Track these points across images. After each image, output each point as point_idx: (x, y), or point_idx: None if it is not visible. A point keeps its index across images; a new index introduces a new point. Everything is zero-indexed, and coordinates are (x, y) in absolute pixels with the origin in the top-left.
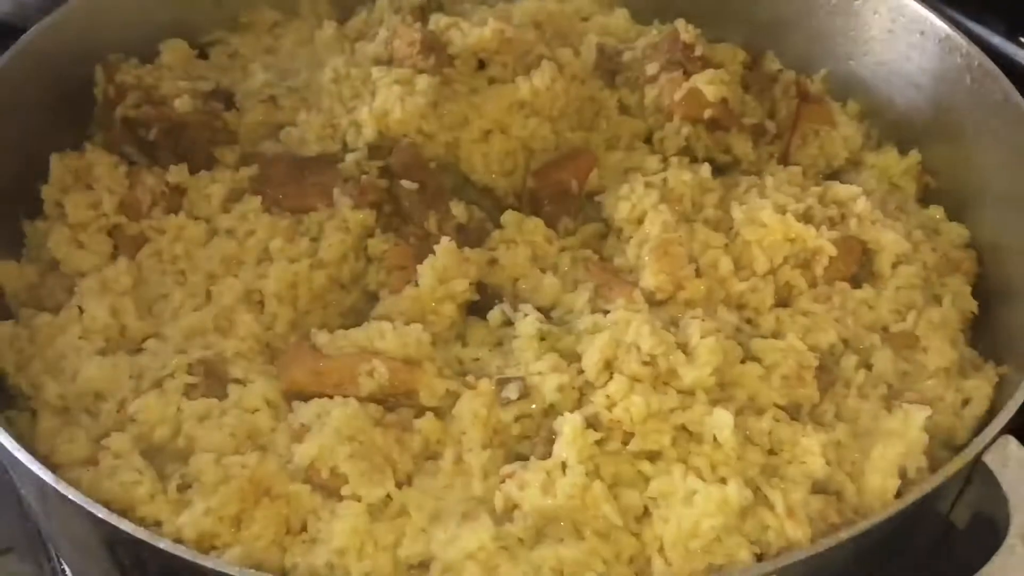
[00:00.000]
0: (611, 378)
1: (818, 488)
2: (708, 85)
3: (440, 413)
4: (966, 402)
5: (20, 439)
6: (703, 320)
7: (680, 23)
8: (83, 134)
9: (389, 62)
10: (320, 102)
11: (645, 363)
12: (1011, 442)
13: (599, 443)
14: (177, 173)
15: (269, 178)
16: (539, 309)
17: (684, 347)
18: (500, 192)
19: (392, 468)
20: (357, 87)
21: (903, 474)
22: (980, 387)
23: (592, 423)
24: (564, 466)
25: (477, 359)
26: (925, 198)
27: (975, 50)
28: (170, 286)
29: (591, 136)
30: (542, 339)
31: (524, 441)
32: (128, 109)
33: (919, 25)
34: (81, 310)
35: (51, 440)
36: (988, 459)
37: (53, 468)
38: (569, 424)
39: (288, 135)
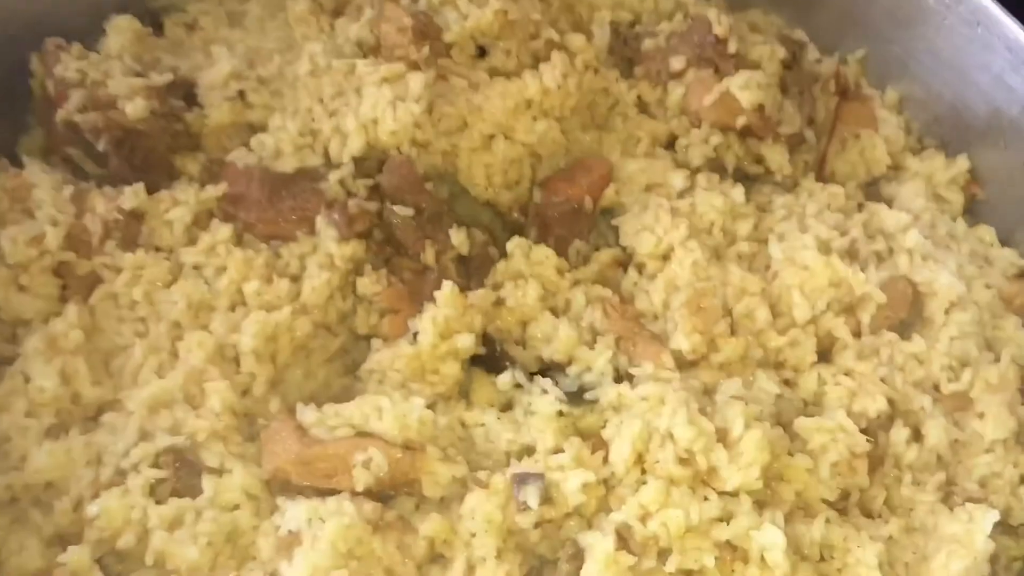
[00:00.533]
0: (643, 474)
1: None
2: (743, 90)
3: (445, 502)
4: None
5: None
6: (746, 402)
7: (712, 12)
8: (16, 127)
9: (376, 50)
10: (297, 99)
11: (682, 460)
12: None
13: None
14: (132, 196)
15: (240, 198)
16: (554, 363)
17: (724, 436)
18: (504, 207)
19: None
20: (339, 82)
21: None
22: None
23: (623, 534)
24: None
25: (483, 425)
26: (972, 210)
27: None
28: (129, 336)
29: (605, 136)
30: (560, 415)
31: (543, 541)
32: (71, 113)
33: (978, 16)
34: (26, 378)
35: None
36: None
37: None
38: (600, 548)
39: (261, 144)
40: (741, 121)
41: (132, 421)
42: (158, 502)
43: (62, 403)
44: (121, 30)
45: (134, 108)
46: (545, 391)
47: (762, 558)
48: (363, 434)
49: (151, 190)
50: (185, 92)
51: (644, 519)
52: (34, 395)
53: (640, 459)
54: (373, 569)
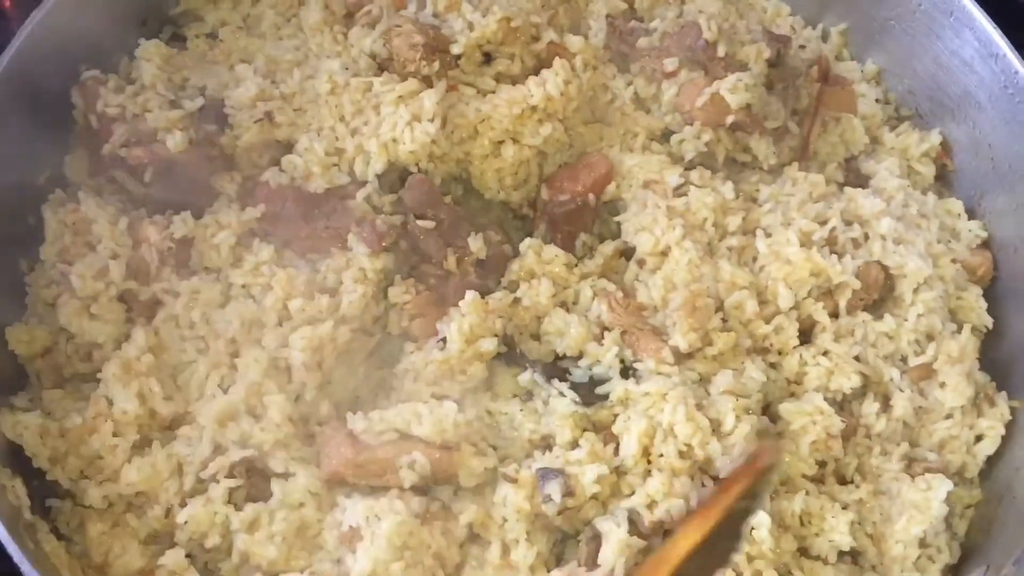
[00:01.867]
0: (648, 465)
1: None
2: (731, 93)
3: (479, 488)
4: (979, 438)
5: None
6: (736, 397)
7: (702, 19)
8: (61, 147)
9: (389, 61)
10: (320, 117)
11: (682, 453)
12: None
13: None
14: (182, 225)
15: (277, 217)
16: (566, 356)
17: (717, 428)
18: (515, 204)
19: (442, 564)
20: (358, 100)
21: (922, 544)
22: (993, 426)
23: (634, 519)
24: None
25: (506, 414)
26: (942, 179)
27: (1012, 53)
28: (191, 354)
29: (605, 130)
30: (575, 412)
31: (565, 522)
32: (117, 148)
33: (951, 6)
34: (109, 402)
35: (103, 548)
36: None
37: None
38: (615, 535)
39: (292, 164)
40: (730, 119)
41: (205, 434)
42: (236, 507)
43: (142, 420)
44: (150, 56)
45: (174, 141)
46: (562, 393)
47: (750, 534)
48: (405, 437)
49: (195, 212)
50: (215, 113)
51: (651, 507)
52: (118, 417)
53: (646, 452)
54: (424, 556)
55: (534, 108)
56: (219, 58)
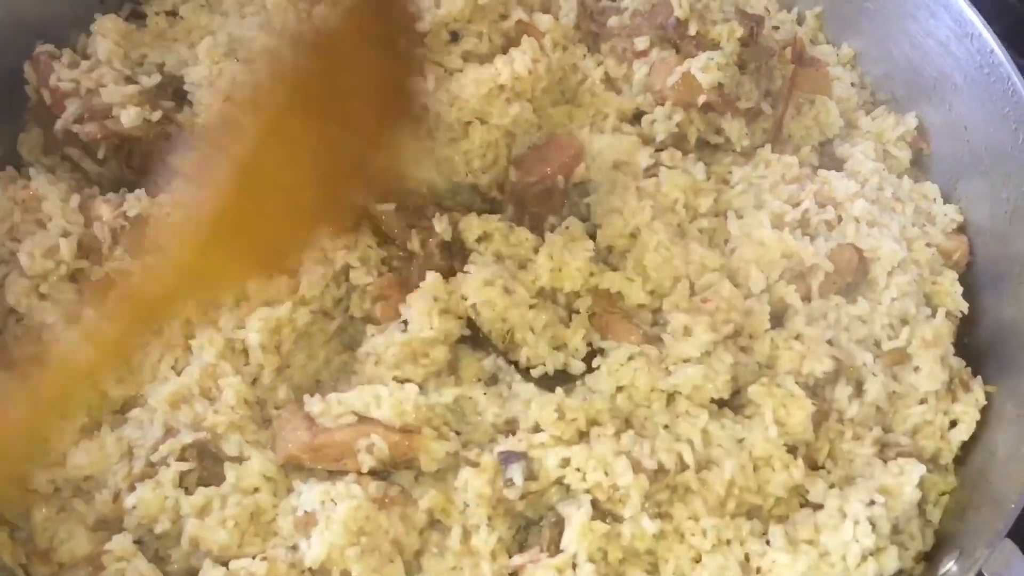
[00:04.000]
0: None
1: None
2: (703, 72)
3: (440, 473)
4: (953, 423)
5: None
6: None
7: None
8: (15, 126)
9: None
10: None
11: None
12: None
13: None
14: (135, 203)
15: None
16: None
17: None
18: (483, 187)
19: (400, 551)
20: None
21: (895, 531)
22: (967, 412)
23: (596, 504)
24: (575, 565)
25: (471, 398)
26: (918, 163)
27: (987, 32)
28: (145, 335)
29: (575, 111)
30: (539, 395)
31: (529, 507)
32: (69, 123)
33: None
34: None
35: (49, 534)
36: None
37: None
38: (577, 519)
39: None
40: (702, 99)
41: (157, 417)
42: (187, 491)
43: (92, 403)
44: (107, 32)
45: (128, 117)
46: (525, 379)
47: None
48: (364, 420)
49: (151, 191)
50: (174, 90)
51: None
52: None
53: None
54: (381, 541)
55: (502, 87)
56: (179, 35)
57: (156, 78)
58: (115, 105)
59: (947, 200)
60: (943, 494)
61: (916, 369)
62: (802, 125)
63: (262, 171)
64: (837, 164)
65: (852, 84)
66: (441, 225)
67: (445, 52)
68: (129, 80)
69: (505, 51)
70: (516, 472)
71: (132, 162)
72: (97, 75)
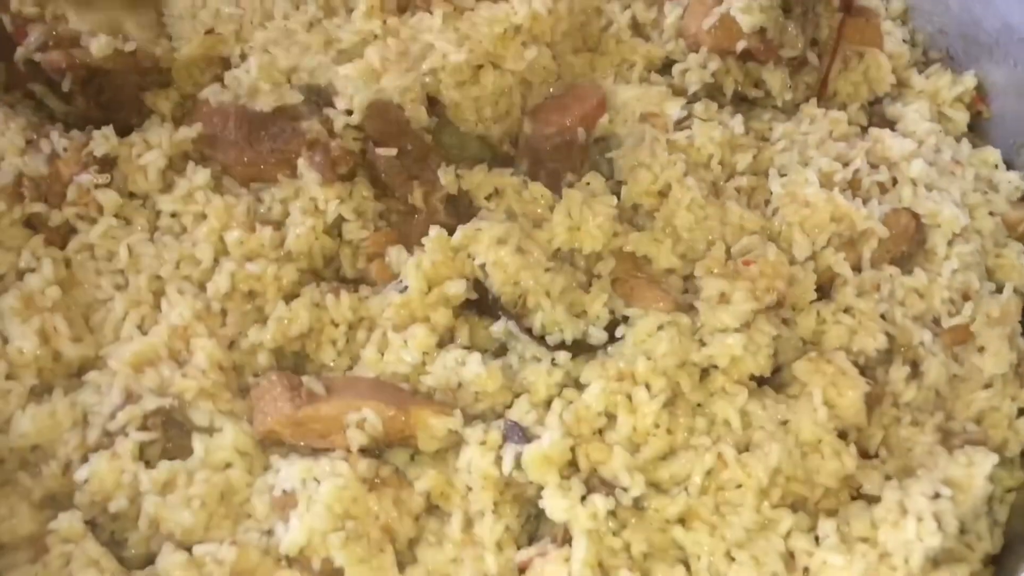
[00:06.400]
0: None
1: None
2: (744, 13)
3: (440, 453)
4: (1022, 411)
5: None
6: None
7: None
8: None
9: None
10: (268, 31)
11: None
12: None
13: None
14: (103, 141)
15: (216, 140)
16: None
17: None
18: (494, 139)
19: (392, 538)
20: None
21: (962, 529)
22: None
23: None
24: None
25: (476, 372)
26: (976, 128)
27: None
28: (108, 290)
29: (597, 60)
30: (553, 368)
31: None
32: (31, 52)
33: None
34: (4, 339)
35: None
36: None
37: None
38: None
39: (236, 81)
40: (741, 45)
41: (117, 381)
42: (148, 464)
43: (43, 363)
44: None
45: (98, 45)
46: (538, 358)
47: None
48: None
49: (121, 131)
50: (149, 20)
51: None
52: (14, 357)
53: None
54: (370, 527)
55: (518, 28)
56: None
57: None
58: (84, 33)
59: (1010, 167)
60: (1010, 491)
61: (980, 350)
62: (850, 81)
63: None
64: (888, 126)
65: (903, 41)
66: (447, 177)
67: None
68: None
69: None
70: (509, 453)
71: (101, 98)
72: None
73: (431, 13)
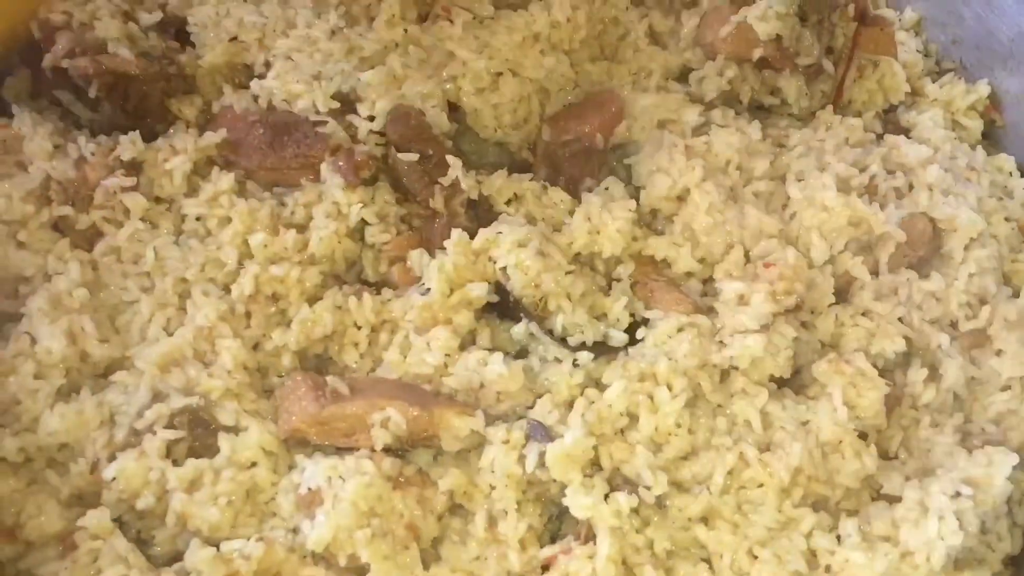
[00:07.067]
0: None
1: None
2: (761, 21)
3: (463, 453)
4: None
5: None
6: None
7: None
8: (2, 68)
9: None
10: (291, 39)
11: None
12: None
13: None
14: (129, 146)
15: (240, 144)
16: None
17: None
18: (514, 146)
19: (416, 536)
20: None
21: (983, 530)
22: None
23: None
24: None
25: (498, 373)
26: (990, 136)
27: None
28: (135, 292)
29: (615, 68)
30: (575, 370)
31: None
32: (59, 59)
33: None
34: (33, 339)
35: (16, 509)
36: None
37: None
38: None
39: (260, 87)
40: (758, 53)
41: (144, 380)
42: (175, 463)
43: (70, 363)
44: None
45: (125, 52)
46: (559, 359)
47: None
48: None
49: (147, 137)
50: (176, 30)
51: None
52: (42, 357)
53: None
54: (394, 525)
55: (537, 36)
56: None
57: (157, 15)
58: (111, 40)
59: None
60: None
61: (998, 353)
62: (865, 89)
63: None
64: (902, 133)
65: (917, 51)
66: (468, 182)
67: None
68: (127, 16)
69: None
70: (533, 451)
71: (127, 104)
72: (92, 8)
73: (451, 22)
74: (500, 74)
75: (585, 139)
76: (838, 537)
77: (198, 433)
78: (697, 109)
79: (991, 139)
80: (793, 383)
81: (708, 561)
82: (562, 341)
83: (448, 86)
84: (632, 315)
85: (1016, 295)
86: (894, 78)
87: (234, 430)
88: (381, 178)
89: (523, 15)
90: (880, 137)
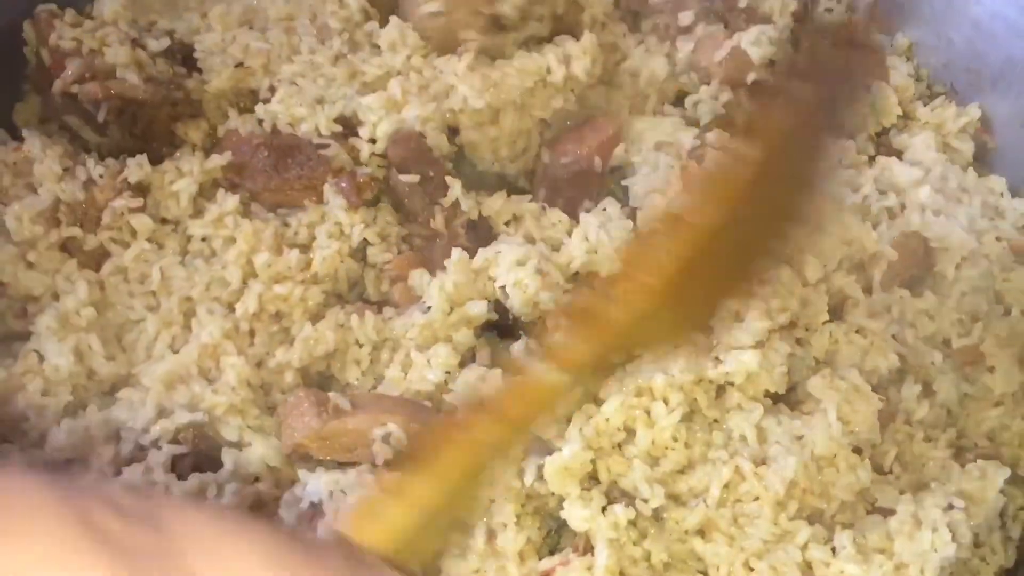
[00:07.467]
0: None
1: None
2: (754, 46)
3: None
4: None
5: None
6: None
7: None
8: (11, 94)
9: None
10: (295, 65)
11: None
12: None
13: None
14: (136, 169)
15: (245, 167)
16: None
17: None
18: (511, 176)
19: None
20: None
21: (976, 543)
22: None
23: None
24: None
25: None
26: (982, 159)
27: None
28: (140, 311)
29: (612, 93)
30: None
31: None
32: (69, 84)
33: None
34: (40, 357)
35: None
36: None
37: None
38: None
39: (264, 111)
40: (752, 77)
41: (149, 397)
42: (180, 477)
43: (77, 380)
44: None
45: (133, 77)
46: None
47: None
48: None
49: (153, 160)
50: (184, 56)
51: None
52: (50, 374)
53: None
54: None
55: (547, 83)
56: (191, 4)
57: (165, 42)
58: (119, 66)
59: (1015, 195)
60: (1023, 508)
61: (991, 369)
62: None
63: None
64: (895, 155)
65: (908, 75)
66: (468, 203)
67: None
68: (136, 43)
69: (551, 38)
70: (531, 465)
71: (135, 129)
72: (102, 35)
73: (457, 55)
74: (500, 109)
75: (583, 161)
76: (833, 549)
77: (202, 449)
78: (692, 132)
79: (982, 161)
80: (788, 399)
81: (705, 573)
82: None
83: (448, 114)
84: None
85: (1008, 313)
86: (886, 101)
87: (238, 445)
88: (383, 199)
89: (537, 59)
90: (872, 159)
